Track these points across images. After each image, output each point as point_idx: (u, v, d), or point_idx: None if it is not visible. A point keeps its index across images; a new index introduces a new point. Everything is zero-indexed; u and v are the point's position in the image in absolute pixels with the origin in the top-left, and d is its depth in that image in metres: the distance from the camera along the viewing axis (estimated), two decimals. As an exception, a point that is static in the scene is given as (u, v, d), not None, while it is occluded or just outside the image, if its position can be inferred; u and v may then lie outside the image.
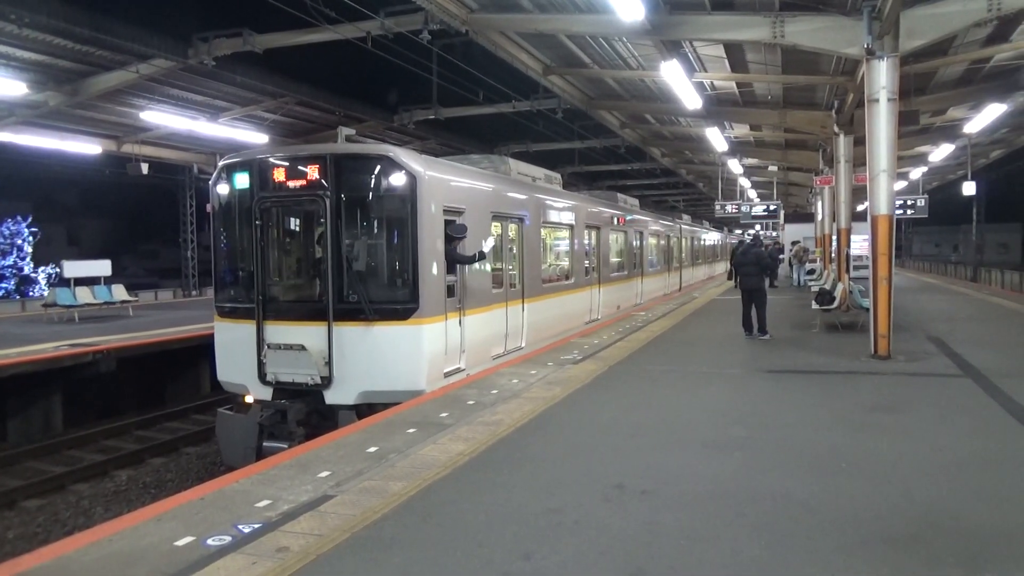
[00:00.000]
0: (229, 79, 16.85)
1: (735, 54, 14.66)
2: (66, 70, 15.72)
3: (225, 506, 4.82)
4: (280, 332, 8.59)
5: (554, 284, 13.59)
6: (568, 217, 14.42)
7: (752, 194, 37.34)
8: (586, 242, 15.63)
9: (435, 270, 8.74)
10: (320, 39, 14.52)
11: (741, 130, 23.68)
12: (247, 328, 8.73)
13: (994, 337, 13.07)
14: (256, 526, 4.46)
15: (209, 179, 9.66)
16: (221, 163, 9.30)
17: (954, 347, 11.34)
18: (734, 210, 27.86)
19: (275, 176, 8.68)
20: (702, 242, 35.97)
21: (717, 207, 27.86)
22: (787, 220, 37.40)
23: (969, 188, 26.78)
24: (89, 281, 19.40)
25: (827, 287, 16.03)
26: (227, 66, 15.76)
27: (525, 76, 15.87)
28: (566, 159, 31.57)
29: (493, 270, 10.63)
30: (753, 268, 13.02)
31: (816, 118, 18.94)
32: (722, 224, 48.20)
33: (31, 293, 35.14)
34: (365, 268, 8.79)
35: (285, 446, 7.63)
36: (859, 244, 22.61)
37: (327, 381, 8.35)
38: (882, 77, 10.03)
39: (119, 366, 13.01)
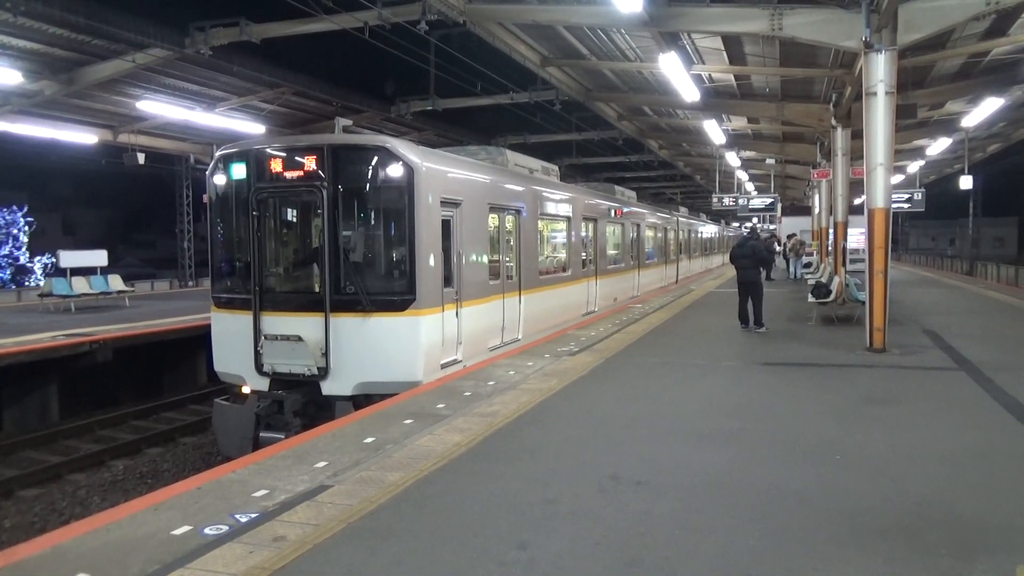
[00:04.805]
0: (226, 69, 16.77)
1: (733, 46, 14.64)
2: (62, 59, 15.62)
3: (222, 496, 4.84)
4: (277, 323, 8.59)
5: (551, 276, 13.59)
6: (565, 209, 14.41)
7: (749, 187, 37.30)
8: (583, 234, 15.63)
9: (432, 261, 8.74)
10: (317, 29, 14.46)
11: (739, 123, 23.66)
12: (244, 319, 8.73)
13: (989, 331, 13.11)
14: (253, 516, 4.48)
15: (206, 169, 9.63)
16: (218, 153, 9.27)
17: (949, 340, 11.38)
18: (731, 203, 27.87)
19: (272, 167, 8.66)
20: (699, 235, 35.96)
21: (714, 200, 27.86)
22: (784, 213, 37.40)
23: (966, 182, 26.75)
24: (85, 271, 19.35)
25: (823, 280, 16.06)
26: (224, 56, 15.69)
27: (523, 67, 15.82)
28: (563, 151, 31.48)
29: (490, 262, 10.64)
30: (749, 261, 13.08)
31: (814, 111, 18.92)
32: (719, 217, 48.19)
33: (27, 283, 35.05)
34: (362, 259, 8.79)
35: (282, 436, 7.66)
36: (856, 237, 22.61)
37: (324, 372, 8.37)
38: (880, 70, 10.03)
39: (116, 356, 12.99)
